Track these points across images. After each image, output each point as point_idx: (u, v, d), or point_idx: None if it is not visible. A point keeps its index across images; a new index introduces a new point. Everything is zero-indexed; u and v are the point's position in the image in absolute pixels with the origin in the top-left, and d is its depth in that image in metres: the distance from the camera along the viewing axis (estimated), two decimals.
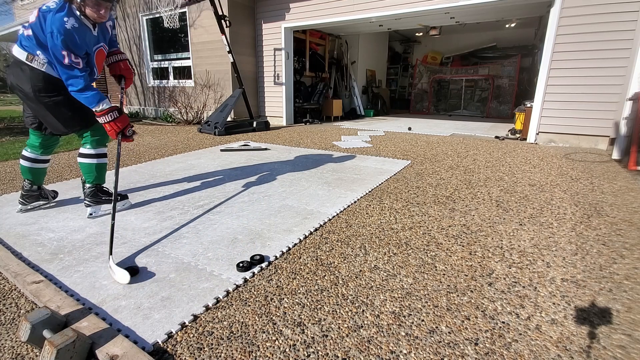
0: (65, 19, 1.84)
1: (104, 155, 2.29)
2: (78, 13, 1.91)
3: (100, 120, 2.03)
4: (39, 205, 2.39)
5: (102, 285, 1.48)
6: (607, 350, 1.13)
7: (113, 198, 1.93)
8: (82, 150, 2.23)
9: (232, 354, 1.11)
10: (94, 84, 2.14)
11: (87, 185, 2.26)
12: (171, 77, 8.32)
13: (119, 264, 1.61)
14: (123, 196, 2.39)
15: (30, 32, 1.93)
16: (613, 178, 3.21)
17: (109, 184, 2.41)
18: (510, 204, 2.51)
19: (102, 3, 1.94)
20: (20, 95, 2.06)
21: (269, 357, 1.09)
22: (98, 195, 2.27)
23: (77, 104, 2.06)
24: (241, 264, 1.60)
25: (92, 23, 2.00)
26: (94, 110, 2.00)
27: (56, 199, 2.53)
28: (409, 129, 6.73)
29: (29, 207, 2.33)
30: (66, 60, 1.87)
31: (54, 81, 2.00)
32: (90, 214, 2.23)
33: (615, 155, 4.14)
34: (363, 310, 1.32)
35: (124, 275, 1.50)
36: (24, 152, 2.29)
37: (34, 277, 1.49)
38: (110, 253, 1.65)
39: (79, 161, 2.25)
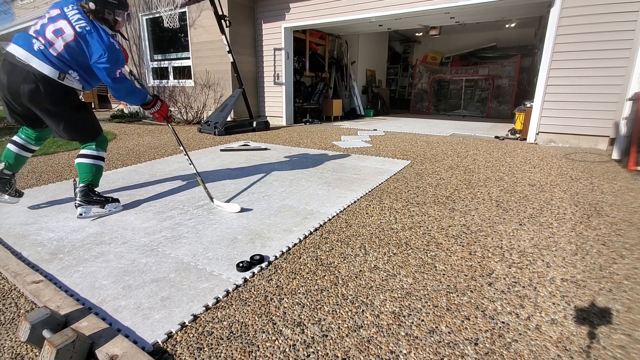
0: (112, 40, 2.06)
1: (103, 159, 2.31)
2: (105, 27, 2.11)
3: (149, 111, 2.38)
4: (3, 200, 2.35)
5: (102, 285, 1.48)
6: (607, 350, 1.13)
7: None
8: (83, 151, 2.24)
9: (232, 354, 1.11)
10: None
11: (80, 185, 2.22)
12: (171, 77, 8.32)
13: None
14: (114, 199, 2.35)
15: (62, 50, 1.98)
16: (613, 178, 3.21)
17: (108, 186, 2.41)
18: (510, 204, 2.51)
19: (127, 12, 2.22)
20: (29, 105, 2.04)
21: (269, 357, 1.09)
22: (89, 195, 2.22)
23: (88, 115, 2.22)
24: (241, 264, 1.60)
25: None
26: (142, 105, 2.31)
27: (57, 199, 2.53)
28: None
29: None
30: (118, 74, 2.09)
31: (72, 92, 2.12)
32: (80, 214, 2.19)
33: (615, 155, 4.15)
34: (363, 310, 1.32)
35: (234, 206, 2.27)
36: (16, 138, 2.31)
37: (33, 277, 1.49)
38: (211, 199, 2.43)
39: (77, 162, 2.23)
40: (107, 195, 2.37)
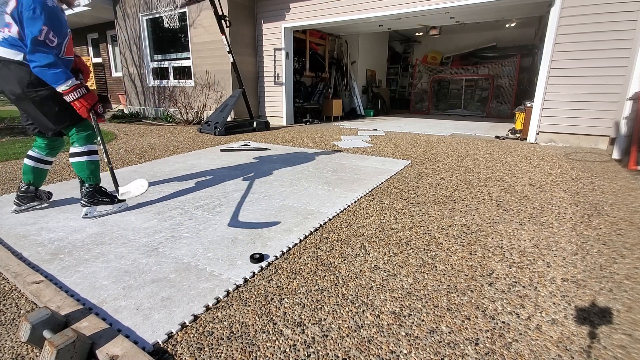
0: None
1: (95, 152, 2.27)
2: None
3: (68, 98, 2.01)
4: (33, 206, 2.39)
5: (102, 285, 1.48)
6: (608, 350, 1.12)
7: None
8: (72, 149, 2.22)
9: (232, 354, 1.11)
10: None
11: (85, 185, 2.25)
12: (171, 77, 8.31)
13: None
14: (120, 200, 2.37)
15: (14, 29, 1.90)
16: (613, 178, 3.21)
17: (107, 184, 2.41)
18: (510, 203, 2.51)
19: None
20: (10, 97, 2.06)
21: (269, 357, 1.09)
22: (95, 196, 2.26)
23: (62, 98, 2.05)
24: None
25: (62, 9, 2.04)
26: (60, 89, 1.98)
27: (57, 199, 2.54)
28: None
29: (23, 208, 2.33)
30: (42, 36, 1.85)
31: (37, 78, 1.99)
32: (86, 214, 2.22)
33: (616, 155, 4.14)
34: (363, 310, 1.32)
35: (140, 184, 1.85)
36: (30, 152, 2.31)
37: (34, 278, 1.49)
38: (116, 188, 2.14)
39: (70, 161, 2.23)
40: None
